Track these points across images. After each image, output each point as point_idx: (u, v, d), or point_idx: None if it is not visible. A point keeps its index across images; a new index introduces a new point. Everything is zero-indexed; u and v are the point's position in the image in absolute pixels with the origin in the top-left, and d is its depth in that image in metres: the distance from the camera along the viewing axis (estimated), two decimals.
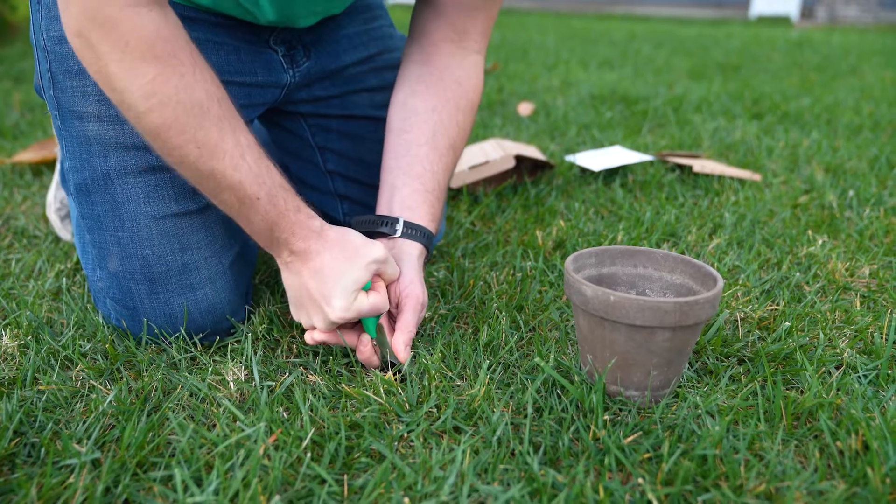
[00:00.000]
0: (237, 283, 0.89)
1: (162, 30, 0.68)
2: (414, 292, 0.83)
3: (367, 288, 0.78)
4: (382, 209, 0.90)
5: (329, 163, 1.08)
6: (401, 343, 0.80)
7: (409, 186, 0.90)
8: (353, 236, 0.79)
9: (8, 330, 0.88)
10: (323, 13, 0.94)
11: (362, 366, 0.82)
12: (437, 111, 0.93)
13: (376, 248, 0.78)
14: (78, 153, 0.84)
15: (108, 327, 0.89)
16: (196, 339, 0.86)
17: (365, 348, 0.79)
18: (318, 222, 0.78)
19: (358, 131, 1.06)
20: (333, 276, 0.76)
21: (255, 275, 1.06)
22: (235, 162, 0.73)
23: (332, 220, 1.08)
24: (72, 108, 0.84)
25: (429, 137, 0.92)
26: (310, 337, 0.80)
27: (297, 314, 0.81)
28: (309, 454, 0.66)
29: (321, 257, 0.77)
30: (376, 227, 0.88)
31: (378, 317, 0.80)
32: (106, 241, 0.84)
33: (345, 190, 1.08)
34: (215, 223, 0.87)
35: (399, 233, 0.87)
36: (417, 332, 0.89)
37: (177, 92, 0.69)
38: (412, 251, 0.86)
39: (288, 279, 0.80)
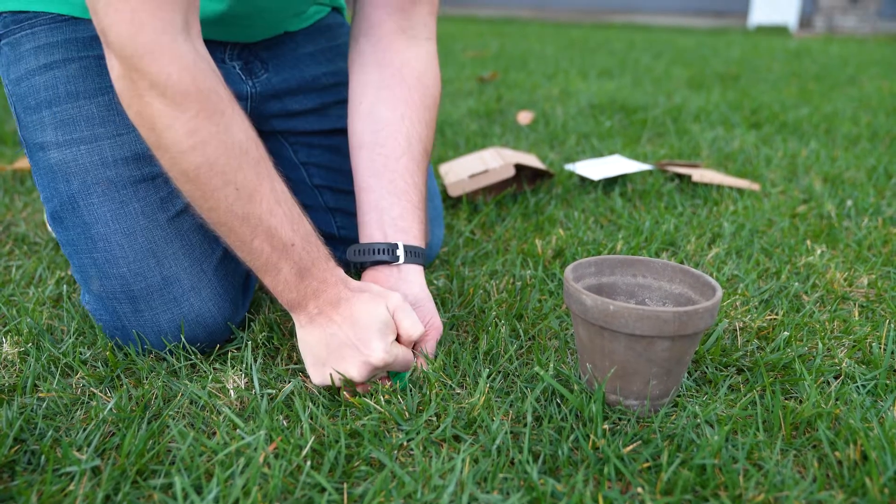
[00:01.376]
0: (225, 288, 0.87)
1: (199, 62, 0.67)
2: (436, 324, 0.84)
3: None
4: (375, 234, 0.87)
5: (315, 177, 1.07)
6: (420, 360, 0.81)
7: (397, 206, 0.87)
8: (372, 286, 0.79)
9: (8, 337, 0.88)
10: (274, 28, 0.93)
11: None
12: (406, 118, 0.90)
13: (395, 296, 0.78)
14: (45, 183, 0.86)
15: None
16: (193, 349, 0.86)
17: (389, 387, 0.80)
18: (342, 271, 0.78)
19: (341, 144, 1.05)
20: (367, 319, 0.75)
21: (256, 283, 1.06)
22: (271, 207, 0.71)
23: (327, 237, 1.08)
24: (34, 141, 0.86)
25: (405, 149, 0.89)
26: (350, 393, 0.78)
27: (324, 371, 0.76)
28: (309, 462, 0.66)
29: (351, 304, 0.75)
30: (374, 257, 0.85)
31: (404, 376, 0.80)
32: (84, 265, 0.84)
33: (335, 202, 1.08)
34: (190, 230, 0.85)
35: (402, 259, 0.85)
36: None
37: (218, 130, 0.67)
38: (419, 277, 0.86)
39: (312, 335, 0.76)
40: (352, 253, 0.86)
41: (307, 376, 0.82)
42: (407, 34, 0.92)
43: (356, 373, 0.74)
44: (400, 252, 0.85)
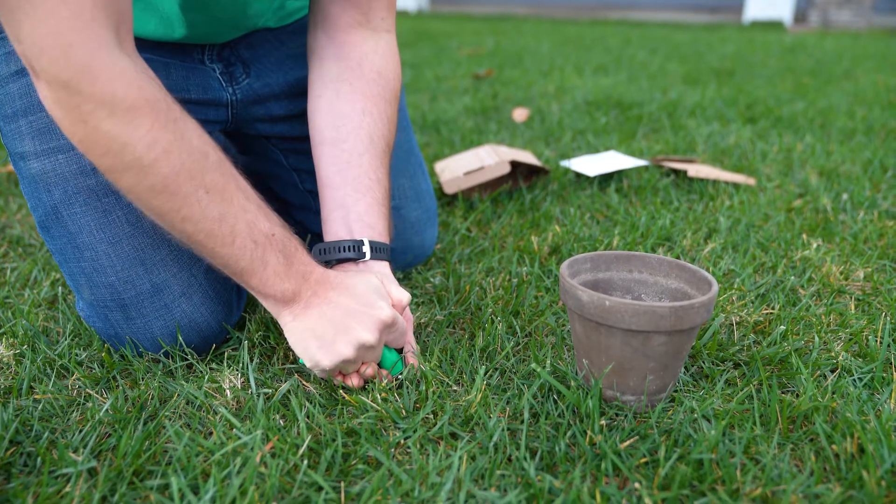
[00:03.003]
0: (217, 291, 0.86)
1: (140, 74, 0.65)
2: (408, 315, 0.85)
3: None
4: (340, 232, 0.85)
5: (306, 182, 1.07)
6: (412, 360, 0.82)
7: (362, 203, 0.86)
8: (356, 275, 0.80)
9: (4, 339, 0.88)
10: (243, 28, 0.92)
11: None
12: (367, 112, 0.89)
13: (374, 272, 0.80)
14: (30, 192, 0.85)
15: None
16: (189, 350, 0.86)
17: (382, 375, 0.80)
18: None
19: None
20: (363, 287, 0.76)
21: None
22: (243, 203, 0.71)
23: (321, 240, 1.07)
24: (15, 151, 0.85)
25: (367, 145, 0.88)
26: (356, 380, 0.78)
27: (335, 349, 0.74)
28: (306, 461, 0.66)
29: (341, 280, 0.76)
30: (341, 255, 0.84)
31: (396, 359, 0.81)
32: (74, 273, 0.84)
33: None
34: None
35: (368, 256, 0.84)
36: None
37: (176, 137, 0.66)
38: (386, 271, 0.85)
39: (310, 319, 0.75)
40: (317, 252, 0.85)
41: (304, 375, 0.82)
42: (365, 27, 0.91)
43: (371, 335, 0.74)
44: (366, 248, 0.84)
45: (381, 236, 0.86)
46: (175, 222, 0.70)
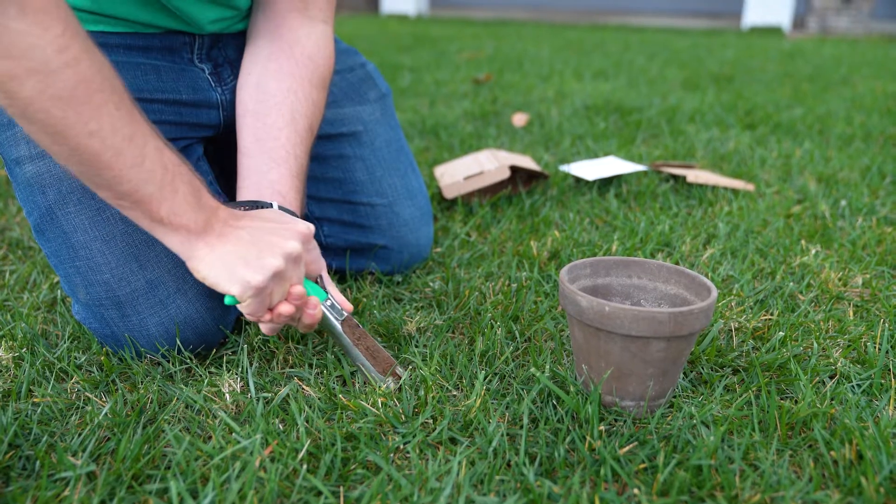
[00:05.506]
0: (213, 289, 0.86)
1: None
2: (322, 263, 0.86)
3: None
4: (251, 193, 0.87)
5: None
6: (341, 297, 0.84)
7: (275, 171, 0.88)
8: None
9: (2, 342, 0.88)
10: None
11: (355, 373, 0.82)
12: (292, 91, 0.92)
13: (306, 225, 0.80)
14: (25, 197, 0.86)
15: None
16: (188, 353, 0.86)
17: (316, 310, 0.79)
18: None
19: (319, 151, 1.05)
20: (271, 214, 0.77)
21: None
22: (152, 129, 0.71)
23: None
24: (10, 157, 0.86)
25: (288, 121, 0.90)
26: (286, 307, 0.77)
27: (262, 263, 0.73)
28: (305, 466, 0.66)
29: (247, 214, 0.77)
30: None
31: (314, 290, 0.82)
32: (69, 274, 0.84)
33: (320, 212, 1.07)
34: None
35: None
36: (413, 343, 0.89)
37: (87, 48, 0.65)
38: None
39: (227, 245, 0.74)
40: None
41: (303, 379, 0.82)
42: (302, 14, 0.94)
43: (295, 244, 0.75)
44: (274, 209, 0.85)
45: (292, 205, 0.88)
46: (81, 138, 0.66)
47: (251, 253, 0.73)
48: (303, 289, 0.77)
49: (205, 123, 0.97)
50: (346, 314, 0.83)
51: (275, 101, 0.91)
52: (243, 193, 0.88)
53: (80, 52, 0.65)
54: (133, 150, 0.68)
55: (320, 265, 0.85)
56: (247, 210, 0.82)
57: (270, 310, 0.77)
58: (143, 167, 0.69)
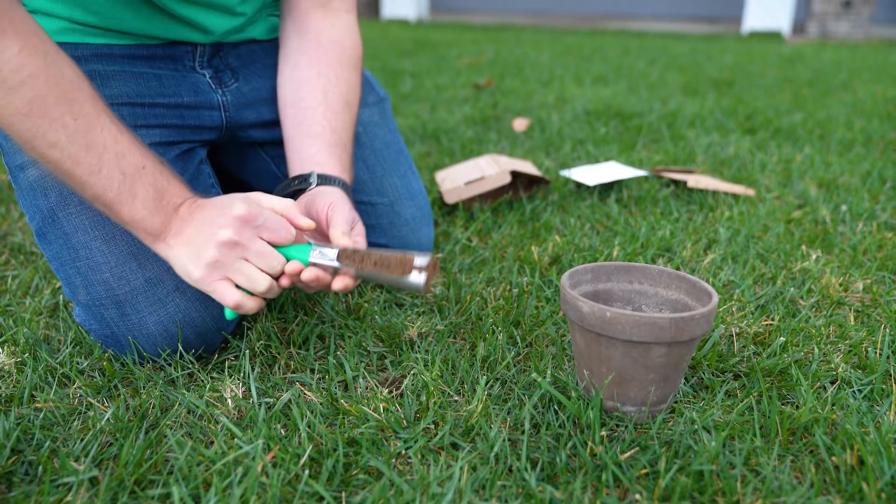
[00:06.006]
0: None
1: (16, 9, 0.69)
2: (338, 203, 0.84)
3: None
4: (294, 172, 0.93)
5: None
6: (338, 234, 0.80)
7: (313, 146, 0.92)
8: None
9: (5, 347, 0.88)
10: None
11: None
12: (322, 74, 0.96)
13: (257, 194, 0.79)
14: (28, 202, 0.87)
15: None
16: (190, 358, 0.86)
17: (308, 275, 0.78)
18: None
19: None
20: (223, 201, 0.76)
21: None
22: (115, 135, 0.74)
23: None
24: (14, 164, 0.88)
25: (321, 100, 0.94)
26: (251, 302, 0.77)
27: (198, 257, 0.75)
28: (307, 471, 0.66)
29: (209, 201, 0.77)
30: (292, 188, 0.90)
31: (299, 251, 0.79)
32: (70, 276, 0.85)
33: None
34: None
35: (315, 184, 0.88)
36: (414, 349, 0.89)
37: (46, 66, 0.70)
38: (336, 191, 0.87)
39: (183, 239, 0.76)
40: (276, 192, 0.91)
41: (305, 384, 0.82)
42: (324, 8, 0.99)
43: (227, 231, 0.74)
44: (313, 178, 0.89)
45: (332, 171, 0.91)
46: (43, 149, 0.72)
47: (193, 247, 0.76)
48: (278, 266, 0.76)
49: (207, 125, 0.98)
50: (337, 250, 0.79)
51: (307, 87, 0.95)
52: (289, 174, 0.93)
53: (36, 69, 0.69)
54: (90, 159, 0.73)
55: (285, 234, 0.78)
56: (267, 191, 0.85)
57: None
58: (101, 174, 0.73)
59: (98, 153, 0.73)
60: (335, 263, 0.78)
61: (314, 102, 0.94)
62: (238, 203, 0.75)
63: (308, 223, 0.79)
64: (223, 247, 0.74)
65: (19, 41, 0.68)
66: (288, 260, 0.78)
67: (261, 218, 0.76)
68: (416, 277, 0.76)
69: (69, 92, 0.71)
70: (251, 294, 0.77)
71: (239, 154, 1.08)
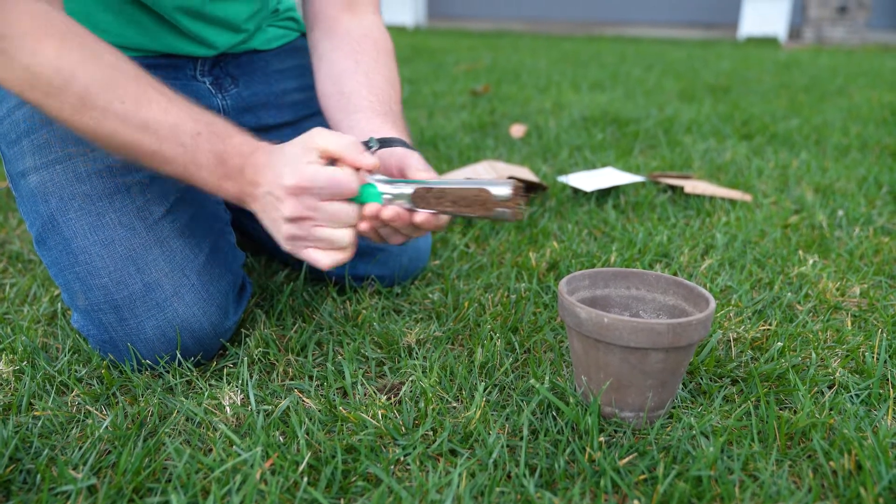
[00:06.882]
0: (210, 293, 0.87)
1: (52, 12, 0.72)
2: (407, 153, 0.82)
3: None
4: None
5: None
6: (412, 172, 0.79)
7: (362, 119, 0.90)
8: (295, 139, 0.77)
9: (3, 355, 0.88)
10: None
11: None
12: (360, 62, 0.96)
13: (308, 132, 0.75)
14: (28, 208, 0.88)
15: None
16: (189, 365, 0.86)
17: (373, 210, 0.75)
18: (262, 142, 0.77)
19: None
20: (277, 161, 0.74)
21: (252, 297, 1.06)
22: (165, 106, 0.74)
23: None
24: (16, 171, 0.89)
25: (363, 82, 0.94)
26: (343, 255, 0.76)
27: (277, 231, 0.76)
28: (306, 478, 0.66)
29: (269, 161, 0.74)
30: None
31: (369, 192, 0.76)
32: (69, 281, 0.85)
33: None
34: (171, 236, 0.86)
35: (375, 146, 0.86)
36: (412, 355, 0.90)
37: (84, 59, 0.71)
38: (393, 149, 0.85)
39: (258, 208, 0.76)
40: None
41: (303, 391, 0.82)
42: (351, 12, 1.01)
43: (287, 208, 0.73)
44: (373, 143, 0.87)
45: (388, 133, 0.88)
46: (108, 140, 0.74)
47: (268, 222, 0.77)
48: (351, 214, 0.75)
49: None
50: (412, 190, 0.75)
51: (347, 75, 0.95)
52: None
53: (76, 64, 0.71)
54: (148, 139, 0.74)
55: (348, 184, 0.74)
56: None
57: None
58: (163, 152, 0.75)
59: (153, 131, 0.73)
60: (408, 190, 0.75)
61: (356, 86, 0.93)
62: (287, 170, 0.72)
63: (372, 160, 0.74)
64: (290, 224, 0.75)
65: (55, 42, 0.70)
66: (361, 203, 0.76)
67: (314, 181, 0.72)
68: (501, 212, 0.72)
69: (111, 77, 0.72)
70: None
71: None
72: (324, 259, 0.76)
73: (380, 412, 0.76)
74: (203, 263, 0.88)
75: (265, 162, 0.75)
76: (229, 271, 0.92)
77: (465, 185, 0.73)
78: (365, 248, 1.07)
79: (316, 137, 0.74)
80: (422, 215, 0.76)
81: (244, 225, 1.19)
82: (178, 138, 0.74)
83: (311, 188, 0.72)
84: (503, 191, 0.72)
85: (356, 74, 0.94)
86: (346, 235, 0.76)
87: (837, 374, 0.85)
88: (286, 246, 0.77)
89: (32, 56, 0.70)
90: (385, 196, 0.76)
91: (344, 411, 0.76)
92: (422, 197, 0.75)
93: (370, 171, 0.75)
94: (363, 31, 0.99)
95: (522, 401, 0.79)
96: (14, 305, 1.04)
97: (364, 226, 0.77)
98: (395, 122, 0.91)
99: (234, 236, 0.99)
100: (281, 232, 0.76)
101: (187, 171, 0.76)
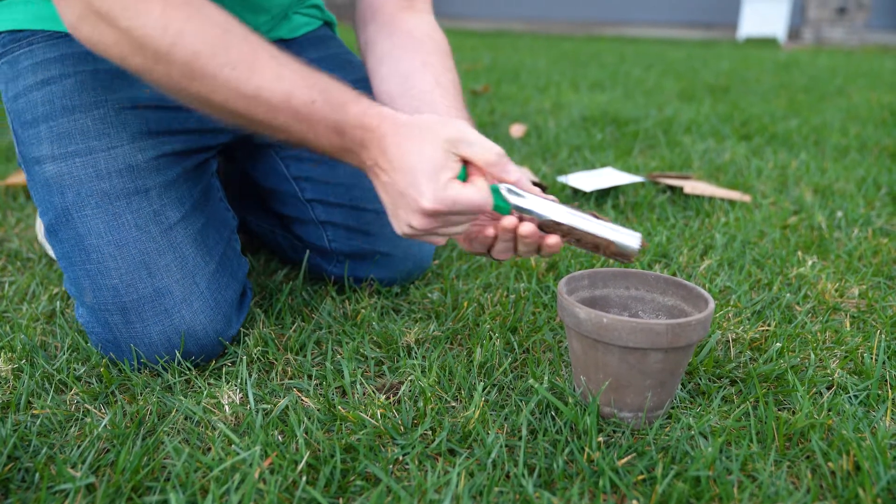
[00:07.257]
0: (217, 302, 0.87)
1: None
2: (505, 167, 0.77)
3: (462, 178, 0.70)
4: None
5: (307, 192, 1.08)
6: (528, 184, 0.75)
7: (441, 110, 0.86)
8: (425, 117, 0.72)
9: (1, 353, 0.88)
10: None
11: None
12: (428, 64, 0.92)
13: (451, 126, 0.70)
14: (41, 196, 0.87)
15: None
16: (188, 364, 0.86)
17: (510, 224, 0.72)
18: (385, 109, 0.72)
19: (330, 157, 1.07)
20: (412, 161, 0.69)
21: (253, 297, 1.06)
22: (277, 71, 0.70)
23: (320, 250, 1.09)
24: (31, 156, 0.87)
25: (434, 84, 0.89)
26: (467, 243, 0.75)
27: (397, 223, 0.74)
28: (304, 477, 0.66)
29: (398, 145, 0.70)
30: None
31: (500, 202, 0.73)
32: (78, 277, 0.85)
33: (326, 216, 1.08)
34: (184, 243, 0.86)
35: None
36: (411, 355, 0.90)
37: (189, 17, 0.68)
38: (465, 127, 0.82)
39: (377, 186, 0.74)
40: None
41: (302, 391, 0.82)
42: (410, 10, 0.98)
43: (417, 222, 0.71)
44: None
45: (455, 115, 0.85)
46: (220, 106, 0.71)
47: (388, 206, 0.74)
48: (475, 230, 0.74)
49: (222, 127, 0.98)
50: (542, 216, 0.72)
51: (416, 76, 0.91)
52: None
53: (181, 24, 0.67)
54: (261, 109, 0.70)
55: (480, 201, 0.71)
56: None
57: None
58: (279, 121, 0.71)
59: (266, 99, 0.69)
60: (537, 210, 0.72)
61: (427, 87, 0.89)
62: (426, 188, 0.68)
63: (517, 175, 0.72)
64: (415, 230, 0.72)
65: (161, 1, 0.67)
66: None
67: (453, 207, 0.69)
68: (620, 258, 0.73)
69: (220, 38, 0.68)
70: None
71: (252, 153, 1.09)
72: (440, 241, 0.75)
73: (379, 412, 0.76)
74: (213, 272, 0.88)
75: (395, 148, 0.70)
76: (235, 280, 0.93)
77: (597, 229, 0.72)
78: (368, 251, 1.07)
79: (461, 144, 0.70)
80: (553, 239, 0.73)
81: (249, 223, 1.19)
82: (292, 108, 0.70)
83: (449, 212, 0.70)
84: (633, 245, 0.72)
85: (426, 76, 0.90)
86: (464, 228, 0.74)
87: (836, 374, 0.86)
88: (399, 232, 0.75)
89: (136, 17, 0.66)
90: (513, 206, 0.73)
91: (343, 410, 0.76)
92: (548, 226, 0.73)
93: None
94: (425, 31, 0.96)
95: (521, 401, 0.79)
96: (13, 303, 1.04)
97: (491, 231, 0.75)
98: (460, 110, 0.89)
99: (240, 243, 0.99)
100: (401, 228, 0.74)
101: (305, 140, 0.73)
